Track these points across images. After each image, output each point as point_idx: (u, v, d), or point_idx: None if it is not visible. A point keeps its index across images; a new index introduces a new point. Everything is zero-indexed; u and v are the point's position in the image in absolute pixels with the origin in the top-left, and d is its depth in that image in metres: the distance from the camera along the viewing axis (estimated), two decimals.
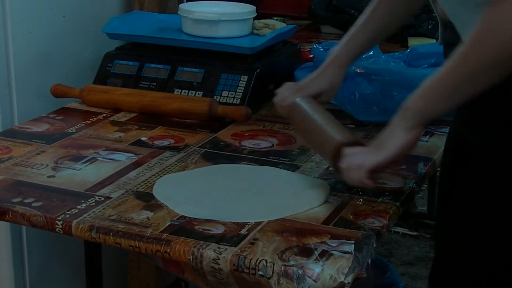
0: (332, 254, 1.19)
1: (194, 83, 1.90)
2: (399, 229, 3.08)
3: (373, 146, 1.30)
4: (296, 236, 1.25)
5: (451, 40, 1.53)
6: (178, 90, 1.90)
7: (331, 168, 1.42)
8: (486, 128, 1.26)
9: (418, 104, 1.24)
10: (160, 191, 1.42)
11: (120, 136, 1.70)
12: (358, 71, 1.79)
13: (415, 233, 3.06)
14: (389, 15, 1.53)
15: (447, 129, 1.48)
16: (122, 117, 1.82)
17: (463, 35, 1.24)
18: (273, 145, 1.66)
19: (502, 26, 1.12)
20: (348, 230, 1.27)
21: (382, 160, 1.27)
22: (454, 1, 1.27)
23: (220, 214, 1.32)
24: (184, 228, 1.29)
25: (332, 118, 1.45)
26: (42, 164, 1.54)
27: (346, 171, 1.31)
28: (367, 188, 1.34)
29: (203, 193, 1.42)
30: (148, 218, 1.32)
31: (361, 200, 1.38)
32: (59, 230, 1.31)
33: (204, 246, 1.22)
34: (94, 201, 1.38)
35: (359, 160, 1.29)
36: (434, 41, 2.37)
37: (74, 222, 1.30)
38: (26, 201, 1.38)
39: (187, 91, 1.89)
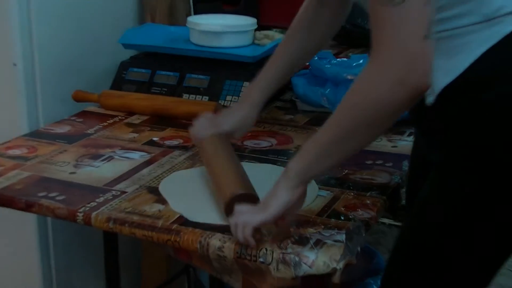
0: (325, 243, 1.19)
1: (201, 89, 1.90)
2: (386, 220, 3.08)
3: (261, 204, 1.20)
4: (293, 226, 1.25)
5: None
6: (186, 95, 1.91)
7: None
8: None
9: (298, 165, 1.17)
10: (165, 188, 1.41)
11: (134, 137, 1.70)
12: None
13: (400, 224, 3.06)
14: (300, 50, 1.45)
15: None
16: (136, 119, 1.83)
17: None
18: (272, 145, 1.66)
19: (372, 89, 1.08)
20: (340, 221, 1.28)
21: (265, 219, 1.17)
22: None
23: (217, 214, 1.30)
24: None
25: (234, 165, 1.36)
26: (65, 162, 1.54)
27: (233, 227, 1.19)
28: (249, 246, 1.19)
29: (205, 189, 1.40)
30: (159, 210, 1.32)
31: (351, 194, 1.39)
32: (80, 221, 1.32)
33: (210, 236, 1.22)
34: (111, 195, 1.39)
35: (245, 219, 1.18)
36: None
37: (93, 214, 1.31)
38: (50, 195, 1.38)
39: (194, 96, 1.90)
